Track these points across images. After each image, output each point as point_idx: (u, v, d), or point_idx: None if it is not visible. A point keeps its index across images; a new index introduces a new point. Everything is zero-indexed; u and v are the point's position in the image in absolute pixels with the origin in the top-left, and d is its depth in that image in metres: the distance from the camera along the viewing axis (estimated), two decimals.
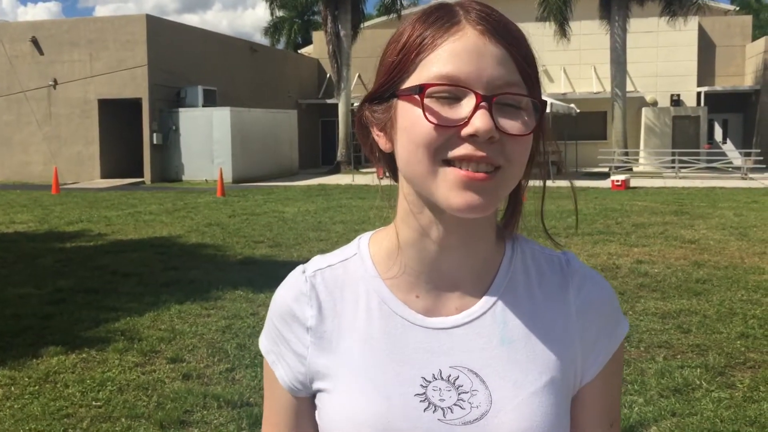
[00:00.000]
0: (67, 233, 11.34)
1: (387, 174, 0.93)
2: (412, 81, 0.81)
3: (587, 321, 0.89)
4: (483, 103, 0.77)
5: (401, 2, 27.18)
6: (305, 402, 0.92)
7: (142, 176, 23.23)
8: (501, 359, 0.85)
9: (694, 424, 3.89)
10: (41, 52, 24.12)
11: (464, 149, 0.77)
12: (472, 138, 0.77)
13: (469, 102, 0.78)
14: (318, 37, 32.17)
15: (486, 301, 0.87)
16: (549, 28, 25.09)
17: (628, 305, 6.41)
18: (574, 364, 0.88)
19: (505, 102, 0.78)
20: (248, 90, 26.95)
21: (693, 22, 26.55)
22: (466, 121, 0.77)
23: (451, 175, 0.78)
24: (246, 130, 23.29)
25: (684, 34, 26.88)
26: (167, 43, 23.39)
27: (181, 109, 23.29)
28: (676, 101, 27.88)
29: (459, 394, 0.84)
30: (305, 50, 36.09)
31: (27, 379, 4.60)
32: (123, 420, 3.99)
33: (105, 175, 23.67)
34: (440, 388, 0.84)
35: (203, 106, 23.36)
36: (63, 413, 4.07)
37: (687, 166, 23.54)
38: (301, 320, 0.90)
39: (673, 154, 24.17)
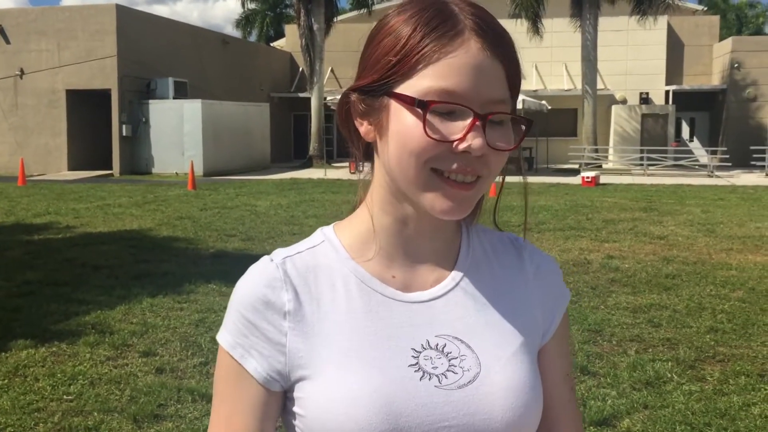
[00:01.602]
0: (35, 225, 11.15)
1: (360, 167, 0.95)
2: (410, 87, 0.83)
3: (542, 286, 0.97)
4: (478, 123, 0.81)
5: None
6: (276, 397, 0.88)
7: (111, 168, 22.90)
8: (479, 325, 0.91)
9: (666, 417, 3.95)
10: (7, 41, 23.64)
11: (456, 164, 0.83)
12: (464, 153, 0.82)
13: (465, 119, 0.82)
14: (291, 30, 32.00)
15: (455, 275, 0.93)
16: (521, 25, 25.23)
17: (599, 300, 6.49)
18: (537, 325, 0.95)
19: (494, 120, 0.83)
20: (220, 82, 26.70)
21: (662, 21, 26.92)
22: (462, 137, 0.81)
23: (436, 185, 0.84)
24: (217, 122, 23.08)
25: (653, 33, 27.25)
26: (137, 33, 23.06)
27: (151, 101, 23.00)
28: (645, 99, 28.27)
29: (449, 360, 0.87)
30: (277, 43, 35.84)
31: None
32: (95, 414, 3.93)
33: (73, 167, 23.29)
34: (431, 357, 0.87)
35: (174, 98, 23.10)
36: (33, 407, 4.01)
37: (655, 163, 23.88)
38: (277, 306, 0.87)
39: (642, 151, 24.50)
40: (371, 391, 0.83)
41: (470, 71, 0.81)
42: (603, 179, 20.09)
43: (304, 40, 25.91)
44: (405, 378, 0.85)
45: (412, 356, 0.86)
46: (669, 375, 4.57)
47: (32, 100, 23.47)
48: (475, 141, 0.81)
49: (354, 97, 0.88)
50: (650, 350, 5.09)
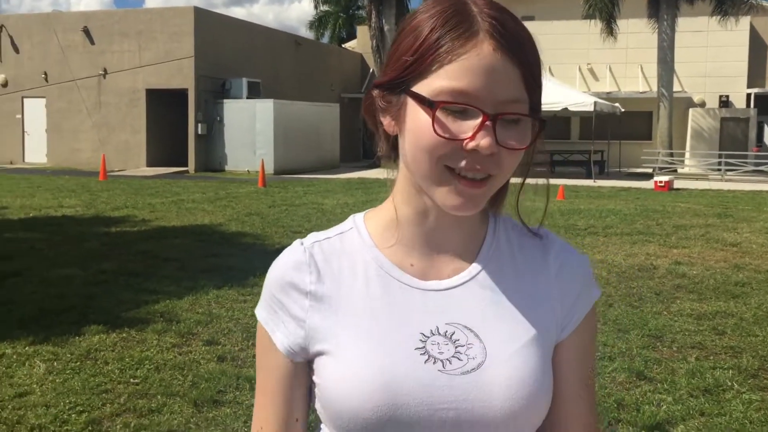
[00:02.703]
0: (113, 218, 11.64)
1: (381, 159, 1.00)
2: (425, 86, 0.86)
3: (565, 283, 0.98)
4: (488, 122, 0.84)
5: None
6: (300, 367, 0.96)
7: (187, 165, 23.63)
8: (491, 317, 0.94)
9: (722, 425, 3.88)
10: (92, 42, 24.68)
11: (465, 161, 0.85)
12: (473, 151, 0.85)
13: (475, 118, 0.84)
14: (362, 31, 32.29)
15: (475, 266, 0.97)
16: (595, 26, 24.81)
17: (663, 305, 6.36)
18: (555, 322, 0.96)
19: (507, 119, 0.85)
20: (292, 83, 27.20)
21: (744, 21, 25.95)
22: (471, 137, 0.84)
23: (448, 181, 0.87)
24: (288, 122, 23.52)
25: (735, 34, 26.28)
26: (214, 34, 23.74)
27: (225, 101, 23.63)
28: (724, 102, 27.30)
29: (456, 347, 0.91)
30: (349, 44, 36.23)
31: (69, 356, 4.78)
32: (159, 397, 4.13)
33: (151, 163, 24.15)
34: (438, 343, 0.91)
35: (247, 97, 23.66)
36: (102, 389, 4.23)
37: (734, 168, 23.06)
38: (299, 286, 0.95)
39: (720, 156, 23.69)
40: (376, 368, 0.89)
41: (482, 72, 0.84)
42: (677, 184, 19.53)
43: (374, 41, 26.12)
44: (410, 359, 0.90)
45: (420, 340, 0.91)
46: (729, 383, 4.47)
47: (114, 98, 24.45)
48: (483, 140, 0.83)
49: (376, 93, 0.93)
50: (711, 358, 4.98)
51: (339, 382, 0.91)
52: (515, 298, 0.95)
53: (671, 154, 24.33)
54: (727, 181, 21.95)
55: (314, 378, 0.95)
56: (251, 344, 5.10)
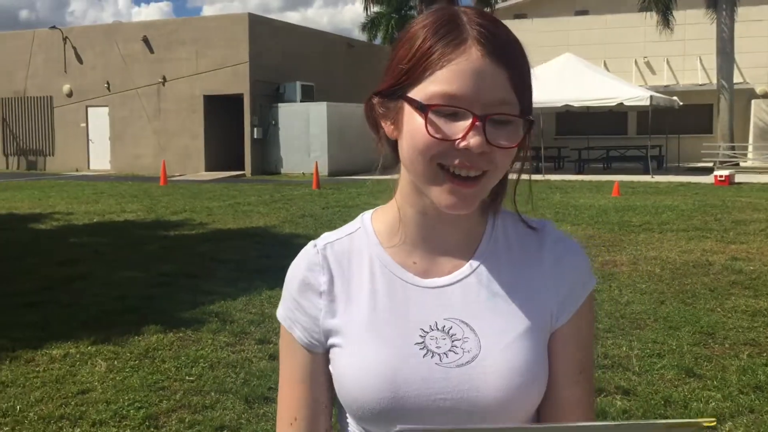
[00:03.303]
0: (172, 222, 12.01)
1: (381, 161, 1.07)
2: (419, 91, 0.93)
3: (559, 274, 1.03)
4: (478, 123, 0.90)
5: None
6: (320, 358, 1.04)
7: (243, 169, 24.12)
8: (487, 311, 1.00)
9: None
10: (152, 51, 25.42)
11: (458, 160, 0.92)
12: (465, 150, 0.91)
13: (466, 119, 0.91)
14: None
15: (472, 263, 1.03)
16: (651, 19, 24.28)
17: (717, 302, 6.25)
18: (550, 313, 1.02)
19: (497, 119, 0.92)
20: (345, 85, 27.46)
21: None
22: (462, 136, 0.91)
23: (443, 180, 0.93)
24: (342, 124, 23.76)
25: None
26: (268, 40, 24.17)
27: (280, 104, 24.03)
28: None
29: (453, 341, 0.98)
30: None
31: (129, 355, 5.01)
32: (212, 394, 4.29)
33: (209, 167, 24.73)
34: (436, 337, 0.98)
35: (301, 101, 24.01)
36: (159, 386, 4.43)
37: None
38: (314, 287, 1.04)
39: None
40: (379, 362, 0.98)
41: (471, 76, 0.90)
42: (739, 178, 18.97)
43: None
44: (410, 354, 0.98)
45: (420, 335, 0.99)
46: None
47: (173, 105, 25.13)
48: (474, 139, 0.90)
49: (376, 100, 1.00)
50: (765, 354, 4.89)
51: (347, 374, 1.00)
52: (511, 291, 1.01)
53: (732, 148, 23.63)
54: None
55: (329, 368, 1.04)
56: None
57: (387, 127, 1.01)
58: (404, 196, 1.04)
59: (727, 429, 3.76)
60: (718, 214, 12.13)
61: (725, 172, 18.27)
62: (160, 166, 21.70)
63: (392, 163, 1.07)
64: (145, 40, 25.35)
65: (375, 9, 34.51)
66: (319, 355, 1.05)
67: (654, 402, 4.08)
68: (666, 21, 23.75)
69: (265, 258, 8.53)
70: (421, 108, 0.92)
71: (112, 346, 5.20)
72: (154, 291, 6.90)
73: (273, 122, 24.11)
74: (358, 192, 16.96)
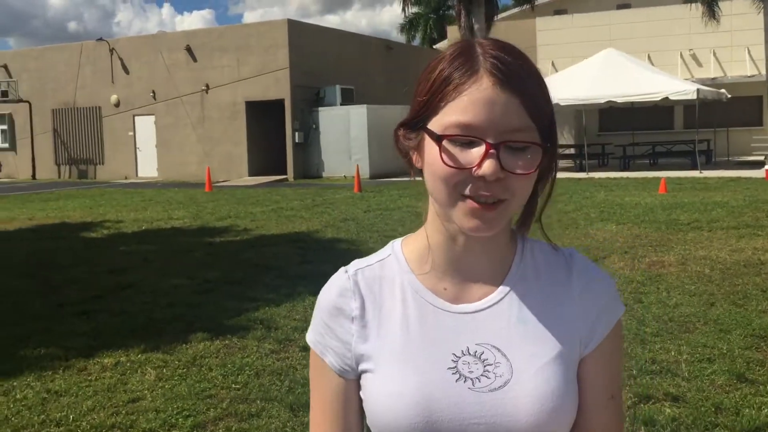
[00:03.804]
0: (217, 228, 12.19)
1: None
2: (436, 122, 0.97)
3: (587, 301, 1.05)
4: (492, 151, 0.92)
5: None
6: (352, 384, 1.06)
7: (286, 173, 24.36)
8: (518, 336, 1.01)
9: None
10: (195, 59, 25.86)
11: (475, 187, 0.94)
12: (481, 178, 0.93)
13: (480, 147, 0.93)
14: (452, 31, 32.19)
15: (502, 289, 1.04)
16: (696, 10, 23.76)
17: None
18: (578, 340, 1.03)
19: (513, 146, 0.94)
20: (384, 87, 27.50)
21: None
22: (478, 164, 0.93)
23: (464, 206, 0.96)
24: (382, 126, 23.79)
25: None
26: (307, 45, 24.37)
27: (320, 108, 24.20)
28: None
29: (485, 366, 1.00)
30: (441, 45, 36.23)
31: (177, 363, 5.10)
32: (258, 402, 4.35)
33: (253, 173, 25.03)
34: (468, 362, 1.00)
35: (341, 104, 24.14)
36: (206, 394, 4.50)
37: None
38: (346, 312, 1.06)
39: None
40: (412, 388, 0.99)
41: (483, 105, 0.93)
42: None
43: None
44: (443, 379, 0.99)
45: (452, 360, 1.00)
46: None
47: (216, 112, 25.52)
48: (487, 167, 0.92)
49: (401, 132, 1.04)
50: None
51: (379, 399, 1.01)
52: (540, 317, 1.03)
53: None
54: None
55: (361, 394, 1.05)
56: None
57: (413, 156, 1.03)
58: (433, 224, 1.05)
59: None
60: None
61: None
62: (205, 173, 22.04)
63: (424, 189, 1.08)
64: (188, 49, 25.79)
65: (413, 10, 34.50)
66: (351, 381, 1.06)
67: (704, 409, 3.99)
68: (711, 12, 23.22)
69: (307, 264, 8.60)
70: (437, 138, 0.95)
71: (161, 354, 5.30)
72: (200, 298, 7.01)
73: (314, 126, 24.29)
74: (400, 194, 16.97)
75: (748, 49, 26.27)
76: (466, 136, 0.94)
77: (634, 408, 4.03)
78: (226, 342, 5.55)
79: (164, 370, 4.96)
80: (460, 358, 1.00)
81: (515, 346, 1.01)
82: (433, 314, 1.03)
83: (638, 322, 5.66)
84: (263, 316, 6.25)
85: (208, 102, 25.67)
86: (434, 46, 37.08)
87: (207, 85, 25.55)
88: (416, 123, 1.00)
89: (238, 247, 10.16)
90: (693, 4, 23.45)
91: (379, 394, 1.01)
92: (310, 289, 7.11)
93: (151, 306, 6.77)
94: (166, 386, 4.65)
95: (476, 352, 1.00)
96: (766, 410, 3.94)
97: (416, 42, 39.92)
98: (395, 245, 1.11)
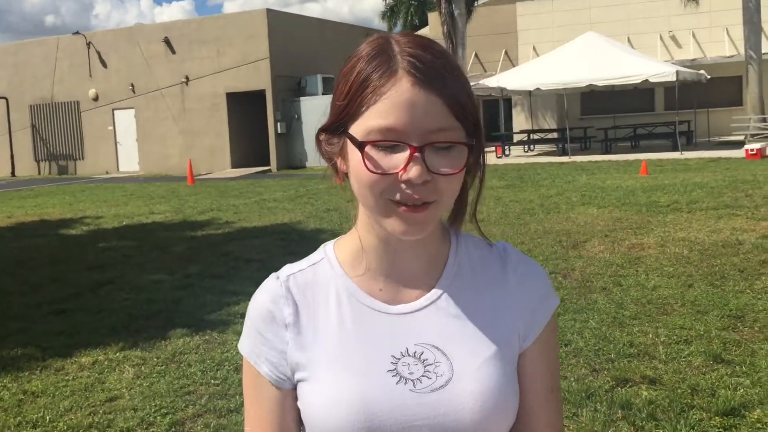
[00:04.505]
0: (199, 222, 12.13)
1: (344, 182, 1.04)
2: (357, 126, 0.93)
3: (524, 295, 1.04)
4: (416, 154, 0.90)
5: None
6: (289, 394, 1.03)
7: (269, 164, 24.27)
8: (456, 334, 1.00)
9: None
10: (173, 51, 25.64)
11: (401, 192, 0.92)
12: (407, 182, 0.91)
13: (404, 151, 0.91)
14: (433, 18, 32.11)
15: (438, 288, 1.03)
16: None
17: (746, 283, 6.13)
18: (516, 334, 1.03)
19: (438, 146, 0.92)
20: None
21: None
22: (403, 168, 0.91)
23: (392, 210, 0.94)
24: None
25: None
26: (287, 34, 24.23)
27: (302, 98, 24.11)
28: None
29: (425, 366, 0.98)
30: (422, 32, 36.13)
31: (155, 360, 5.07)
32: (237, 397, 4.32)
33: (235, 164, 24.92)
34: (408, 363, 0.98)
35: (323, 93, 24.04)
36: (185, 391, 4.48)
37: None
38: (279, 320, 1.02)
39: None
40: (351, 393, 0.97)
41: (404, 107, 0.90)
42: None
43: (445, 27, 25.96)
44: (383, 383, 0.97)
45: (392, 363, 0.98)
46: None
47: (197, 104, 25.34)
48: (413, 170, 0.90)
49: (322, 137, 1.01)
50: None
51: (318, 408, 0.98)
52: (477, 314, 1.02)
53: (764, 120, 23.11)
54: None
55: (298, 404, 1.02)
56: None
57: (337, 161, 1.00)
58: (364, 226, 1.03)
59: (756, 417, 3.69)
60: (749, 189, 11.89)
61: (757, 146, 17.90)
62: (187, 166, 21.90)
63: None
64: (167, 41, 25.56)
65: None
66: (287, 391, 1.03)
67: (681, 391, 4.02)
68: None
69: (290, 255, 8.55)
70: (359, 145, 0.92)
71: (140, 351, 5.26)
72: (181, 294, 6.97)
73: (296, 116, 24.20)
74: None
75: (727, 30, 26.38)
76: (389, 141, 0.91)
77: (612, 392, 4.05)
78: (206, 337, 5.53)
79: (143, 368, 4.92)
80: (399, 359, 0.98)
81: (454, 344, 0.99)
82: (370, 317, 1.01)
83: (617, 305, 5.69)
84: (244, 310, 6.15)
85: (189, 94, 25.47)
86: (416, 33, 36.92)
87: (187, 77, 25.35)
88: (337, 128, 0.97)
89: (219, 240, 10.10)
90: None
91: (318, 403, 0.98)
92: None
93: (130, 303, 6.72)
94: (145, 384, 4.62)
95: (415, 352, 0.99)
96: (741, 391, 3.98)
97: (398, 29, 39.75)
98: (327, 248, 1.09)
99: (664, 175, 15.00)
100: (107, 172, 26.96)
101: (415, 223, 0.93)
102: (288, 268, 1.07)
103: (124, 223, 12.50)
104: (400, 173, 0.91)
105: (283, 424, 1.04)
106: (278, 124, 23.94)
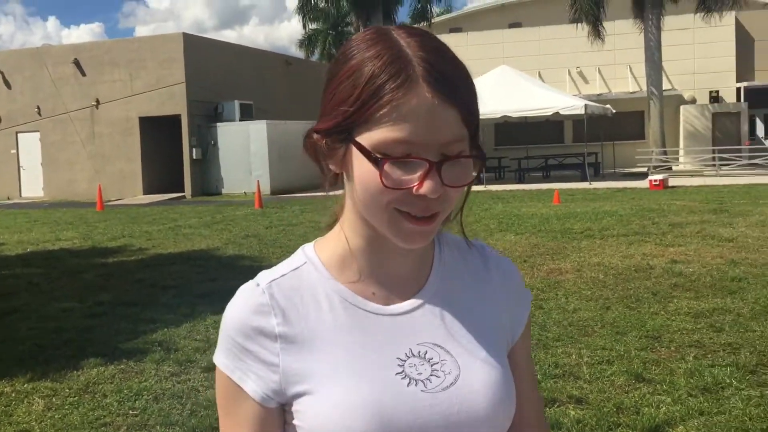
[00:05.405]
0: (110, 249, 11.66)
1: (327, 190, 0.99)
2: (368, 136, 0.87)
3: (508, 291, 1.06)
4: (433, 169, 0.86)
5: (432, 11, 27.26)
6: (274, 412, 0.94)
7: (183, 191, 23.69)
8: (454, 331, 0.99)
9: (722, 423, 3.87)
10: (83, 74, 24.82)
11: (413, 205, 0.88)
12: (421, 196, 0.87)
13: (421, 165, 0.87)
14: None
15: (430, 286, 1.01)
16: (582, 30, 24.93)
17: (660, 305, 6.36)
18: (505, 329, 1.05)
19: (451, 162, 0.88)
20: (284, 102, 27.30)
21: (730, 17, 26.05)
22: (419, 184, 0.87)
23: (399, 221, 0.90)
24: (283, 142, 23.59)
25: (721, 29, 26.40)
26: (204, 59, 23.87)
27: (218, 124, 23.73)
28: (715, 98, 27.36)
29: (432, 365, 0.95)
30: None
31: (68, 390, 4.78)
32: (158, 428, 4.12)
33: (147, 191, 24.21)
34: (415, 364, 0.94)
35: (240, 120, 23.76)
36: (101, 422, 4.23)
37: (728, 163, 23.08)
38: (266, 331, 0.93)
39: (714, 151, 23.72)
40: (363, 401, 0.90)
41: (422, 119, 0.85)
42: (672, 182, 19.56)
43: None
44: (393, 386, 0.92)
45: (398, 365, 0.93)
46: (728, 381, 4.46)
47: (108, 128, 24.55)
48: (429, 186, 0.86)
49: (316, 137, 0.94)
50: (710, 356, 4.97)
51: (325, 421, 0.90)
52: (470, 310, 1.01)
53: (665, 153, 24.38)
54: (722, 176, 21.97)
55: (295, 422, 0.93)
56: None
57: (332, 162, 0.94)
58: (352, 227, 0.97)
59: None
60: (656, 217, 12.44)
61: (659, 177, 18.81)
62: (96, 191, 21.12)
63: (332, 189, 0.99)
64: (77, 63, 24.75)
65: (312, 26, 34.54)
66: (273, 409, 0.95)
67: (606, 410, 4.09)
68: (596, 32, 24.43)
69: (209, 281, 8.33)
70: (375, 160, 0.86)
71: (50, 382, 4.95)
72: (92, 322, 6.64)
73: (212, 142, 23.78)
74: (302, 209, 16.82)
75: (630, 67, 27.80)
76: (407, 158, 0.86)
77: None
78: (122, 366, 5.26)
79: (54, 399, 4.63)
80: (405, 361, 0.94)
81: (454, 341, 0.98)
82: (368, 320, 0.96)
83: (540, 327, 5.78)
84: (162, 338, 5.97)
85: (99, 118, 24.67)
86: (415, 27, 37.13)
87: (97, 100, 24.57)
88: (341, 132, 0.90)
89: (132, 267, 9.73)
90: (579, 24, 24.57)
91: (325, 415, 0.90)
92: (212, 307, 6.86)
93: (37, 332, 6.34)
94: (56, 416, 4.34)
95: (420, 352, 0.95)
96: (664, 408, 4.08)
97: (315, 57, 39.93)
98: (307, 251, 1.01)
99: (576, 203, 15.52)
100: (8, 198, 25.66)
101: (422, 233, 0.91)
102: (268, 274, 0.98)
103: (28, 249, 11.88)
104: (416, 188, 0.87)
105: None
106: (193, 149, 23.45)
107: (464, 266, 1.05)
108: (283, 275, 0.97)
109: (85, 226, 15.22)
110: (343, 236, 0.98)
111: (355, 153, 0.89)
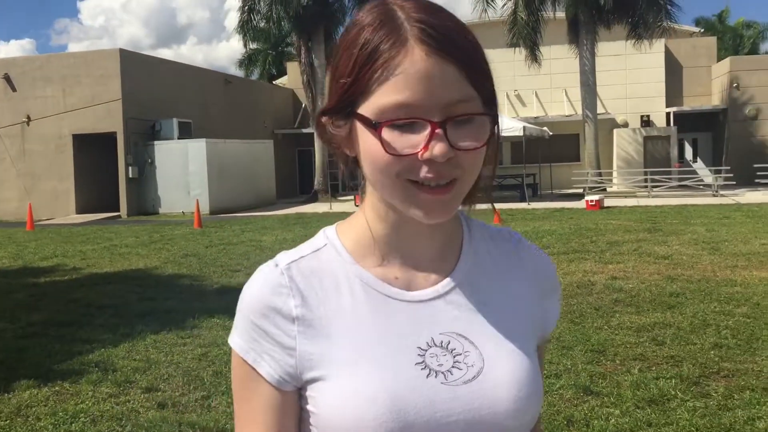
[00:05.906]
0: (42, 268, 11.21)
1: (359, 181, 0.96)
2: (369, 106, 0.84)
3: (540, 281, 1.00)
4: (438, 130, 0.81)
5: None
6: (290, 396, 0.91)
7: (119, 210, 23.06)
8: (480, 321, 0.93)
9: None
10: (14, 89, 24.00)
11: (424, 171, 0.83)
12: (429, 161, 0.82)
13: (424, 128, 0.82)
14: (292, 67, 32.40)
15: (457, 272, 0.95)
16: (520, 54, 25.49)
17: (603, 320, 6.46)
18: (536, 321, 0.99)
19: (459, 120, 0.83)
20: (223, 121, 26.97)
21: (659, 44, 27.10)
22: (424, 147, 0.82)
23: (414, 194, 0.85)
24: (222, 161, 23.27)
25: (651, 56, 27.44)
26: (141, 76, 23.39)
27: (156, 142, 23.24)
28: (646, 122, 28.34)
29: (454, 357, 0.89)
30: (280, 81, 36.25)
31: None
32: None
33: (81, 210, 23.46)
34: (437, 354, 0.89)
35: (178, 138, 23.33)
36: None
37: (659, 184, 23.86)
38: (284, 312, 0.90)
39: (646, 173, 24.50)
40: (380, 389, 0.86)
41: (420, 80, 0.81)
42: (607, 202, 20.08)
43: (305, 77, 26.21)
44: (412, 376, 0.87)
45: (419, 354, 0.89)
46: (673, 392, 4.54)
47: (39, 146, 23.75)
48: (436, 148, 0.81)
49: (324, 119, 0.90)
50: (654, 368, 5.06)
51: (341, 408, 0.86)
52: (499, 300, 0.95)
53: (599, 174, 25.04)
54: (653, 197, 22.69)
55: (308, 407, 0.89)
56: (192, 388, 4.94)
57: (344, 144, 0.90)
58: (374, 211, 0.94)
59: None
60: (593, 236, 12.72)
61: (595, 197, 19.27)
62: (26, 211, 20.35)
63: (350, 178, 0.97)
64: (6, 78, 23.93)
65: (252, 46, 34.35)
66: (289, 393, 0.90)
67: (557, 423, 4.10)
68: (534, 56, 25.01)
69: (147, 301, 8.07)
70: (374, 125, 0.83)
71: None
72: (24, 342, 6.34)
73: (149, 161, 23.26)
74: (242, 229, 16.57)
75: (566, 91, 28.56)
76: (407, 119, 0.82)
77: None
78: (57, 388, 5.02)
79: None
80: (426, 350, 0.89)
81: (480, 331, 0.92)
82: (389, 305, 0.91)
83: None
84: (99, 359, 5.73)
85: (30, 135, 23.85)
86: (274, 82, 37.01)
87: (28, 117, 23.76)
88: (344, 108, 0.87)
89: (66, 287, 9.36)
90: (517, 48, 25.12)
91: (341, 402, 0.86)
92: (151, 327, 6.65)
93: None
94: None
95: (442, 342, 0.90)
96: (613, 420, 4.12)
97: (255, 77, 39.68)
98: (329, 233, 0.96)
99: (516, 223, 15.75)
100: None
101: (440, 204, 0.85)
102: (286, 255, 0.94)
103: None
104: (421, 152, 0.82)
105: (281, 427, 0.91)
106: (129, 168, 22.87)
107: (495, 253, 0.99)
108: (302, 257, 0.94)
109: (14, 246, 14.63)
110: (364, 220, 0.95)
111: (360, 128, 0.86)
